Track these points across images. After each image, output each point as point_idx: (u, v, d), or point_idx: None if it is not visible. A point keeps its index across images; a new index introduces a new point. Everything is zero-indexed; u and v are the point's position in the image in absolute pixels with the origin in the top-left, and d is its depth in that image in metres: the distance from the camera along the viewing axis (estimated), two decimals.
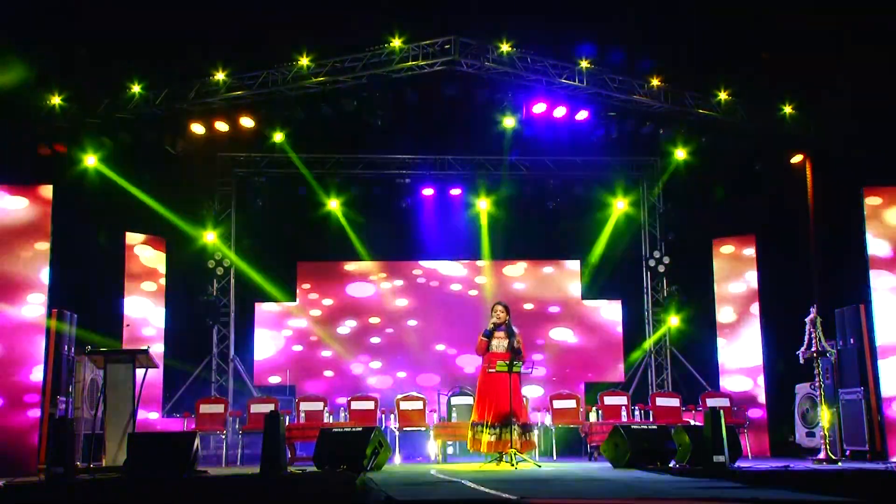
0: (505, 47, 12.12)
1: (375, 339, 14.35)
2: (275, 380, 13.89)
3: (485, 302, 11.44)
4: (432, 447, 11.11)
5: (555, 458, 11.17)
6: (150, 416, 12.18)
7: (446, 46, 12.10)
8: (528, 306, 14.50)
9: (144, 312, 12.72)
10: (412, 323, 14.44)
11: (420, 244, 14.42)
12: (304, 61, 12.04)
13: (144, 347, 8.96)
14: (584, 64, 12.38)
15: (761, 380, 12.90)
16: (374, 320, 14.42)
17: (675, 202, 14.37)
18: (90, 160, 12.30)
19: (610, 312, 14.64)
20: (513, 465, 8.49)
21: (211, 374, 13.82)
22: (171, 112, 12.24)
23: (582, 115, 12.79)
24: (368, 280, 14.55)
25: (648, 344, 14.47)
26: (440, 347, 14.35)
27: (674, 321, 14.21)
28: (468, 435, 9.12)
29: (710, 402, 11.25)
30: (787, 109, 12.70)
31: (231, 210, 14.20)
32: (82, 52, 11.20)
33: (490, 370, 8.97)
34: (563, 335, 14.53)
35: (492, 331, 9.16)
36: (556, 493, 5.23)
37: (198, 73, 11.96)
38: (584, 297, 14.64)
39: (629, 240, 14.79)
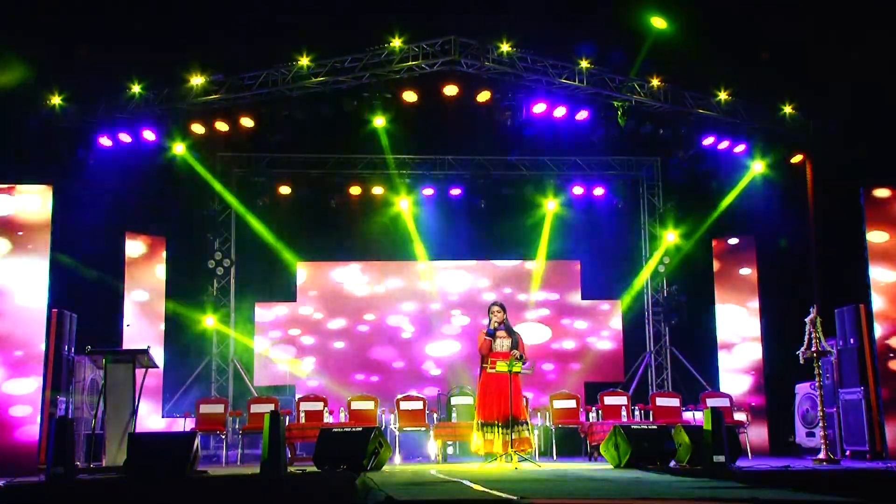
0: (505, 47, 12.10)
1: (375, 339, 14.35)
2: (275, 379, 13.89)
3: (486, 301, 11.48)
4: (432, 447, 11.10)
5: (555, 458, 11.15)
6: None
7: (446, 46, 12.10)
8: (528, 306, 14.50)
9: (145, 312, 12.71)
10: (412, 323, 14.45)
11: (420, 244, 14.41)
12: (304, 61, 12.02)
13: (144, 347, 8.95)
14: (584, 64, 12.37)
15: (761, 380, 12.91)
16: (374, 319, 14.41)
17: (676, 202, 14.37)
18: (90, 160, 12.28)
19: (610, 312, 14.64)
20: (513, 465, 8.48)
21: (211, 374, 13.82)
22: (172, 112, 12.24)
23: (582, 115, 12.78)
24: (368, 280, 14.54)
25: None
26: (442, 346, 14.35)
27: (674, 319, 14.23)
28: (472, 435, 9.10)
29: (710, 402, 11.24)
30: (787, 109, 12.70)
31: (231, 210, 14.20)
32: (82, 50, 11.18)
33: (491, 370, 8.95)
34: (563, 335, 14.52)
35: (494, 330, 9.14)
36: (556, 493, 5.22)
37: (196, 73, 11.96)
38: (583, 297, 14.64)
39: (629, 240, 14.80)
